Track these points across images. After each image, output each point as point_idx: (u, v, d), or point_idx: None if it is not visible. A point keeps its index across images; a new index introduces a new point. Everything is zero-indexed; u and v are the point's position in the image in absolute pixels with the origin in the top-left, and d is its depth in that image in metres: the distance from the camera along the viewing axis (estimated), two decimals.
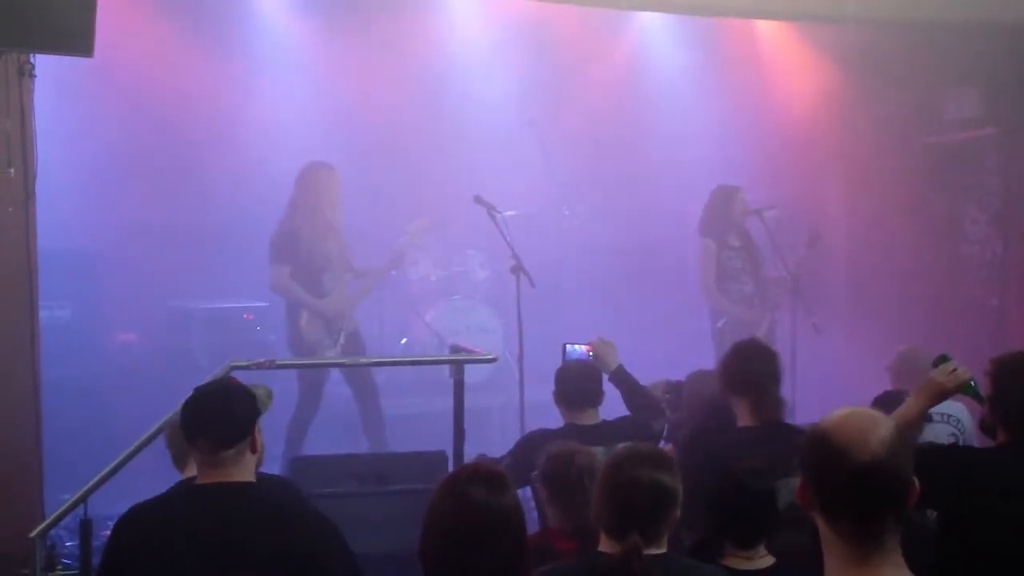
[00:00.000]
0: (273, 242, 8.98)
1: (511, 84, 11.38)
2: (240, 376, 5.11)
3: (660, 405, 6.55)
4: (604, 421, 6.24)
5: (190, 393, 4.27)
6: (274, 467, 7.01)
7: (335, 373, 9.32)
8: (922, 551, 4.41)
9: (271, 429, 4.78)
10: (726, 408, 5.78)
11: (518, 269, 8.78)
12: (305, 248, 8.95)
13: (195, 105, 10.35)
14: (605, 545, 3.81)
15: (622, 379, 6.54)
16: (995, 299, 10.57)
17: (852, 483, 2.80)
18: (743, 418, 5.58)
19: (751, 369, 5.58)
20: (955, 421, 6.64)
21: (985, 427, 4.96)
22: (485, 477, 3.55)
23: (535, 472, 5.21)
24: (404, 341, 10.88)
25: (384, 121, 10.81)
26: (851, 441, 2.81)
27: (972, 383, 4.84)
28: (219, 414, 4.12)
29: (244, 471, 4.15)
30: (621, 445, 5.82)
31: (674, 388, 6.80)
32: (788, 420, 5.72)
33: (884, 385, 7.09)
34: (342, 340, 9.05)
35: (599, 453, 5.62)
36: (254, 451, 4.17)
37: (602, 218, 11.71)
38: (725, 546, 4.43)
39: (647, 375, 6.75)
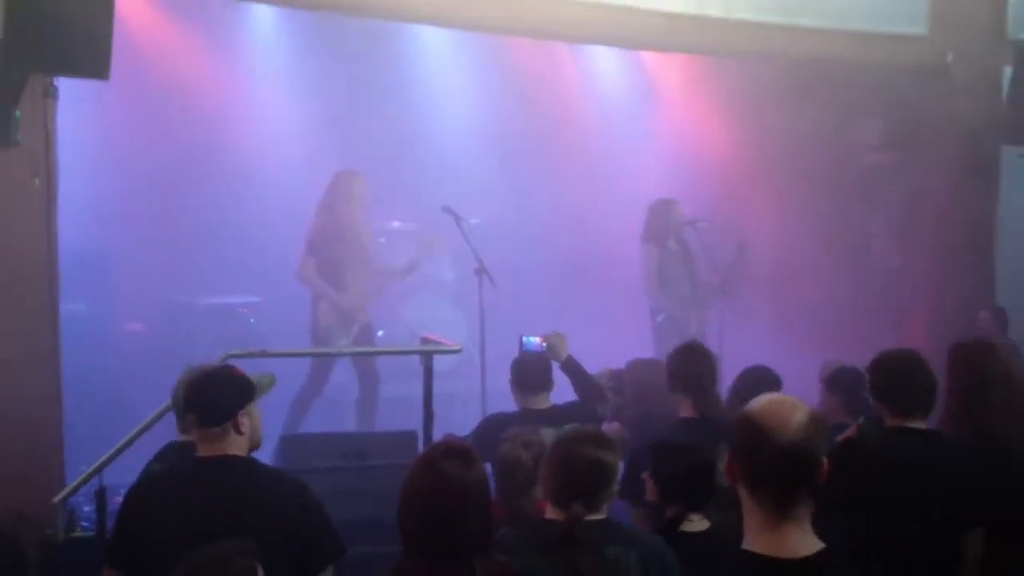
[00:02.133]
0: (305, 237, 9.05)
1: (476, 109, 11.41)
2: (247, 363, 5.10)
3: (603, 391, 6.59)
4: (555, 405, 6.28)
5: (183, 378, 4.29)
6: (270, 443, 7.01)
7: (344, 360, 9.38)
8: None
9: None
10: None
11: (481, 271, 8.84)
12: (328, 245, 9.00)
13: (198, 117, 10.31)
14: (551, 513, 3.86)
15: (571, 368, 6.56)
16: (894, 304, 10.65)
17: (774, 461, 2.85)
18: (685, 411, 5.57)
19: (695, 371, 5.58)
20: None
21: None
22: (458, 453, 3.58)
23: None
24: (380, 333, 10.89)
25: (365, 134, 10.80)
26: (774, 425, 2.86)
27: None
28: (205, 396, 4.15)
29: (234, 446, 4.14)
30: (568, 426, 5.94)
31: (616, 376, 6.88)
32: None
33: (800, 374, 7.11)
34: (355, 331, 9.09)
35: (549, 435, 5.66)
36: (238, 432, 4.14)
37: (556, 226, 11.72)
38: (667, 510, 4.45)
39: (593, 364, 6.81)
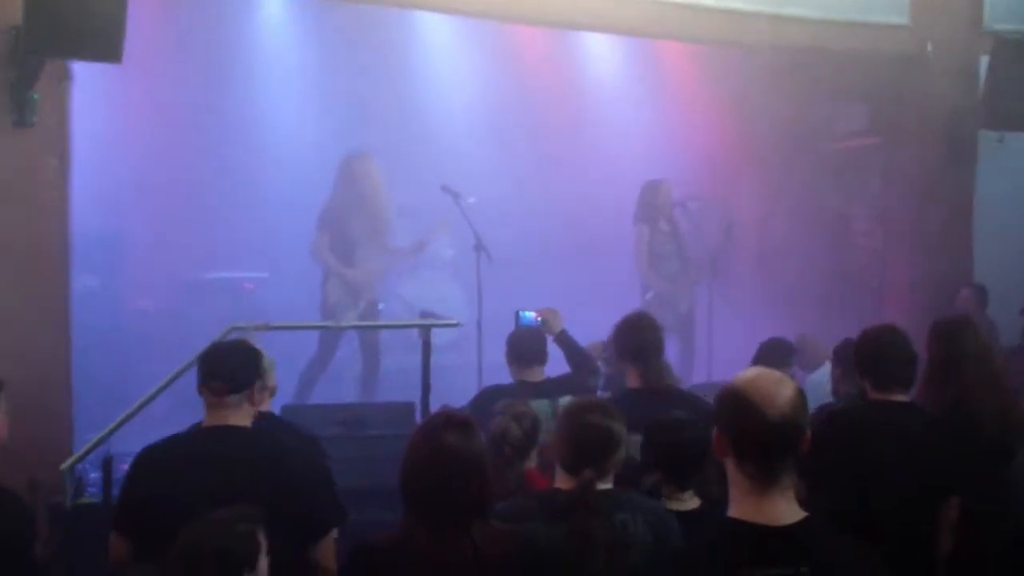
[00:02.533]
0: (319, 213, 9.10)
1: (475, 91, 11.38)
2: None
3: (596, 364, 6.58)
4: (548, 378, 6.30)
5: (198, 351, 4.30)
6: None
7: (349, 334, 9.41)
8: None
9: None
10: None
11: (479, 247, 8.82)
12: (338, 224, 9.04)
13: (209, 98, 10.33)
14: (561, 482, 3.87)
15: (565, 341, 6.57)
16: (876, 282, 10.66)
17: (763, 434, 2.86)
18: (632, 381, 5.41)
19: (640, 339, 5.43)
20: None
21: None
22: (458, 423, 3.60)
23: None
24: (381, 307, 10.89)
25: (368, 118, 10.78)
26: (763, 399, 2.87)
27: None
28: (232, 362, 4.18)
29: (242, 417, 4.16)
30: (569, 397, 5.94)
31: (607, 348, 6.82)
32: (685, 383, 5.62)
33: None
34: (361, 306, 9.13)
35: (544, 405, 5.67)
36: (252, 403, 4.17)
37: (552, 206, 11.72)
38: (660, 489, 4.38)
39: (586, 337, 6.81)
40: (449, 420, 3.61)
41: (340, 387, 9.56)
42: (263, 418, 4.51)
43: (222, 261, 10.62)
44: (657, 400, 5.09)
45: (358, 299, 9.14)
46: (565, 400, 6.01)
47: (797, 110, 10.42)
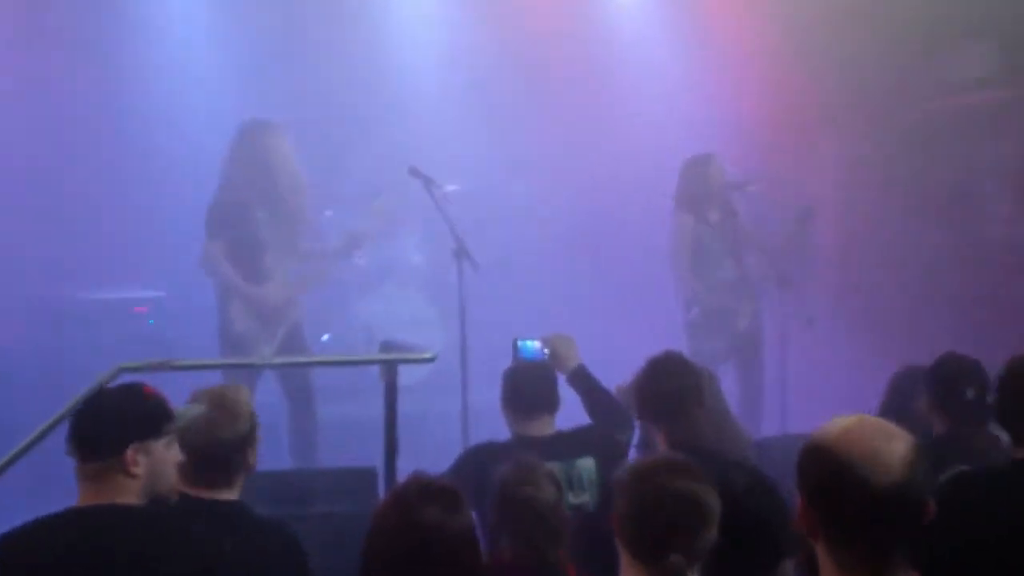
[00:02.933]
0: (208, 213, 8.92)
1: (453, 41, 11.40)
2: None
3: (627, 411, 6.51)
4: (560, 432, 6.23)
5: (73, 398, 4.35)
6: None
7: (267, 374, 9.27)
8: None
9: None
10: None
11: (460, 252, 8.81)
12: (242, 222, 8.91)
13: (87, 75, 10.44)
14: (630, 573, 3.83)
15: (582, 381, 6.54)
16: (1014, 289, 10.60)
17: (868, 511, 2.85)
18: (660, 445, 5.44)
19: (662, 391, 5.47)
20: None
21: None
22: (438, 494, 3.61)
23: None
24: (326, 338, 10.86)
25: (300, 76, 10.78)
26: (866, 462, 2.85)
27: None
28: (88, 419, 4.18)
29: (123, 492, 4.13)
30: (590, 459, 5.93)
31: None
32: (760, 435, 5.62)
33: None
34: (280, 335, 9.04)
35: (555, 470, 5.61)
36: (127, 472, 4.13)
37: (559, 192, 11.75)
38: None
39: (613, 375, 6.70)
40: (426, 490, 3.63)
41: (272, 447, 9.49)
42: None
43: (104, 277, 10.54)
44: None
45: (273, 326, 9.05)
46: (584, 463, 5.97)
47: (891, 56, 10.42)
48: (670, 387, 5.45)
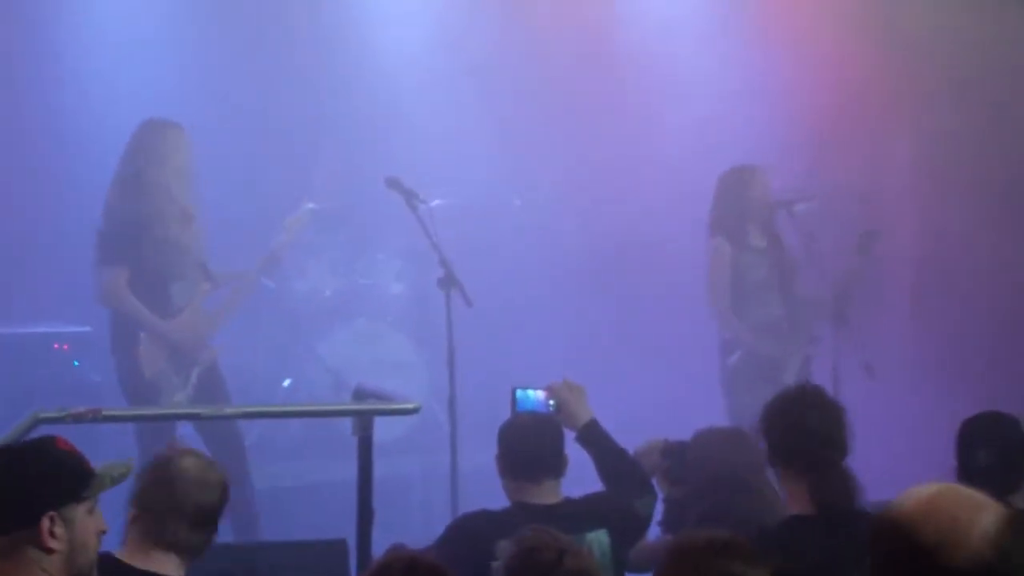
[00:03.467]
0: (102, 236, 8.96)
1: (443, 28, 11.49)
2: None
3: (646, 476, 6.56)
4: (568, 499, 6.26)
5: None
6: None
7: (186, 426, 9.26)
8: None
9: None
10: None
11: (448, 281, 8.84)
12: (147, 244, 8.91)
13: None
14: None
15: (594, 439, 6.54)
16: None
17: None
18: (797, 502, 5.49)
19: (809, 429, 5.51)
20: None
21: None
22: (425, 571, 3.64)
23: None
24: (287, 383, 10.88)
25: (257, 75, 10.89)
26: (942, 537, 2.85)
27: None
28: (11, 481, 4.13)
29: (30, 572, 4.09)
30: (602, 532, 6.00)
31: (675, 452, 6.76)
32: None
33: None
34: (194, 379, 9.07)
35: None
36: (42, 547, 4.09)
37: (568, 211, 11.77)
38: None
39: (632, 434, 6.79)
40: (411, 567, 3.63)
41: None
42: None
43: (16, 310, 10.64)
44: (840, 532, 5.16)
45: (187, 367, 9.08)
46: (596, 538, 6.05)
47: (992, 37, 10.44)
48: (814, 427, 5.51)
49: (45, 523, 4.07)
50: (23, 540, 4.06)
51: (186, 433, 9.30)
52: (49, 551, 4.09)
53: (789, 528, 5.42)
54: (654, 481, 6.66)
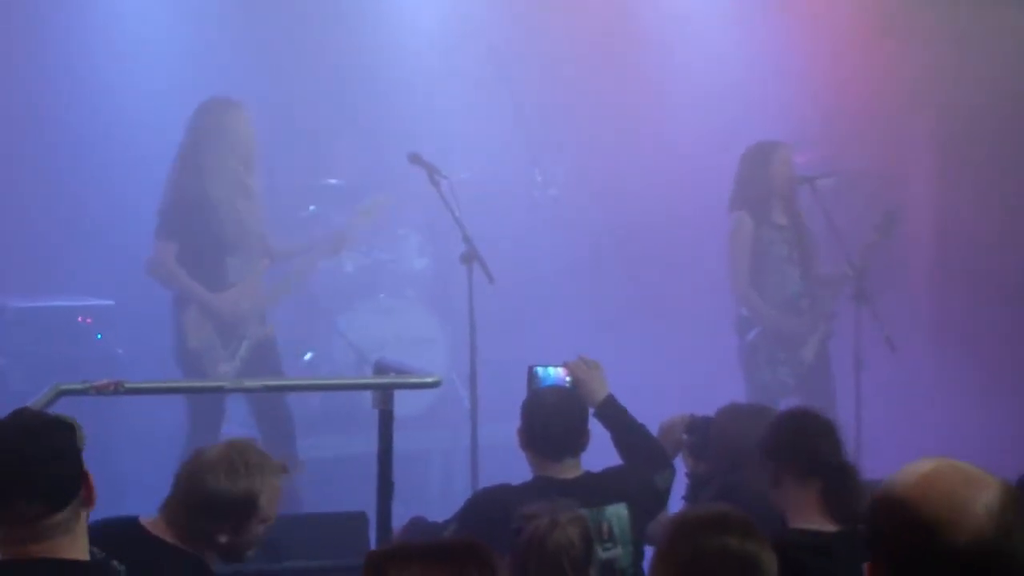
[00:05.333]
0: (161, 211, 9.07)
1: (462, 9, 11.49)
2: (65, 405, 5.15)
3: (664, 450, 6.57)
4: (587, 473, 6.28)
5: None
6: None
7: (233, 400, 9.35)
8: None
9: None
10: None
11: (470, 257, 8.85)
12: (204, 218, 9.02)
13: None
14: None
15: (612, 414, 6.57)
16: None
17: (944, 570, 2.81)
18: (807, 515, 5.43)
19: (816, 438, 5.49)
20: None
21: None
22: (454, 553, 3.55)
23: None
24: (308, 357, 10.90)
25: (278, 51, 10.93)
26: (941, 512, 2.82)
27: None
28: (36, 463, 4.01)
29: (77, 543, 4.08)
30: (622, 506, 6.00)
31: (699, 426, 6.74)
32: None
33: (992, 428, 7.06)
34: (243, 352, 9.13)
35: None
36: (90, 503, 4.09)
37: (589, 187, 11.78)
38: None
39: (651, 410, 6.81)
40: (437, 548, 3.60)
41: None
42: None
43: (42, 284, 10.68)
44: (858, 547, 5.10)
45: (235, 340, 9.14)
46: (616, 511, 6.08)
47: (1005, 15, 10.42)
48: (818, 434, 5.53)
49: (90, 480, 4.07)
50: (76, 508, 4.04)
51: (237, 408, 9.44)
52: (92, 504, 4.11)
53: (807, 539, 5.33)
54: (679, 457, 6.69)
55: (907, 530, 2.84)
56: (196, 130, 9.16)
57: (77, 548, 4.09)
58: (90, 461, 4.12)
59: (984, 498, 2.82)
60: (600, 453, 6.48)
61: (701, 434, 6.65)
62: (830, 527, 5.33)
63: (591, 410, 6.51)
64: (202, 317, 9.06)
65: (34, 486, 3.97)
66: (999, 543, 2.79)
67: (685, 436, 6.65)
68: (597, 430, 6.52)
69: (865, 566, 2.93)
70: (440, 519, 6.24)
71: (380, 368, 7.08)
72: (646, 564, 5.62)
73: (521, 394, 6.57)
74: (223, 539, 4.92)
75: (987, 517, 2.79)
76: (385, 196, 9.50)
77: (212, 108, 9.19)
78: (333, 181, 10.93)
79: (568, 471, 6.24)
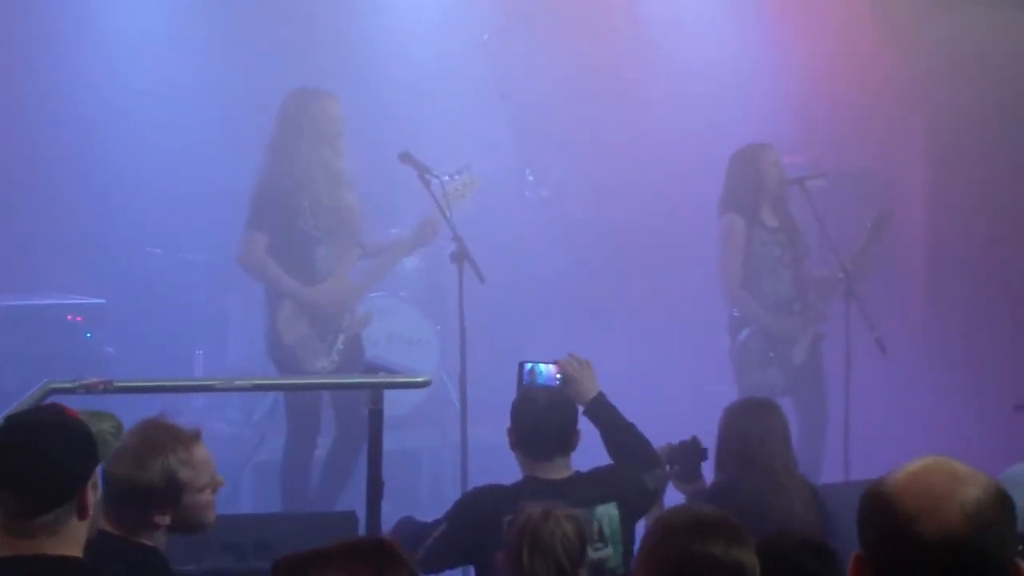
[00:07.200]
0: (250, 200, 9.06)
1: (457, 4, 11.52)
2: (76, 400, 5.12)
3: (655, 451, 6.57)
4: (577, 473, 6.26)
5: None
6: None
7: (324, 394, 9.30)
8: None
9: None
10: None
11: (461, 256, 8.84)
12: (292, 210, 8.99)
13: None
14: None
15: (602, 413, 6.55)
16: None
17: (922, 570, 2.84)
18: None
19: (754, 437, 5.58)
20: None
21: None
22: None
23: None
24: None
25: (271, 50, 10.95)
26: (920, 507, 2.84)
27: None
28: (31, 461, 4.01)
29: (67, 542, 4.05)
30: (612, 506, 6.00)
31: (677, 454, 6.72)
32: (819, 482, 5.61)
33: (981, 428, 7.06)
34: (340, 345, 9.11)
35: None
36: (83, 516, 4.06)
37: (580, 187, 11.76)
38: None
39: (642, 410, 6.81)
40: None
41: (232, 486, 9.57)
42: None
43: (32, 282, 10.65)
44: None
45: (332, 335, 9.11)
46: (606, 511, 6.09)
47: (993, 30, 10.43)
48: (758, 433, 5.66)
49: (89, 491, 4.06)
50: (65, 513, 4.01)
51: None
52: (85, 517, 4.07)
53: None
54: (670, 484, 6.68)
55: (884, 519, 2.88)
56: (284, 119, 9.15)
57: (68, 547, 4.06)
58: None
59: (963, 495, 2.85)
60: (590, 453, 6.45)
61: (681, 459, 6.69)
62: None
63: (580, 408, 6.47)
64: (296, 311, 9.02)
65: (21, 481, 3.98)
66: (968, 541, 2.81)
67: (667, 467, 6.65)
68: (587, 429, 6.50)
69: (852, 555, 2.97)
70: (429, 519, 6.23)
71: (370, 368, 7.07)
72: None
73: (513, 392, 6.55)
74: (163, 520, 4.79)
75: (960, 513, 2.82)
76: (475, 176, 9.41)
77: (300, 97, 9.18)
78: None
79: (558, 471, 6.22)
